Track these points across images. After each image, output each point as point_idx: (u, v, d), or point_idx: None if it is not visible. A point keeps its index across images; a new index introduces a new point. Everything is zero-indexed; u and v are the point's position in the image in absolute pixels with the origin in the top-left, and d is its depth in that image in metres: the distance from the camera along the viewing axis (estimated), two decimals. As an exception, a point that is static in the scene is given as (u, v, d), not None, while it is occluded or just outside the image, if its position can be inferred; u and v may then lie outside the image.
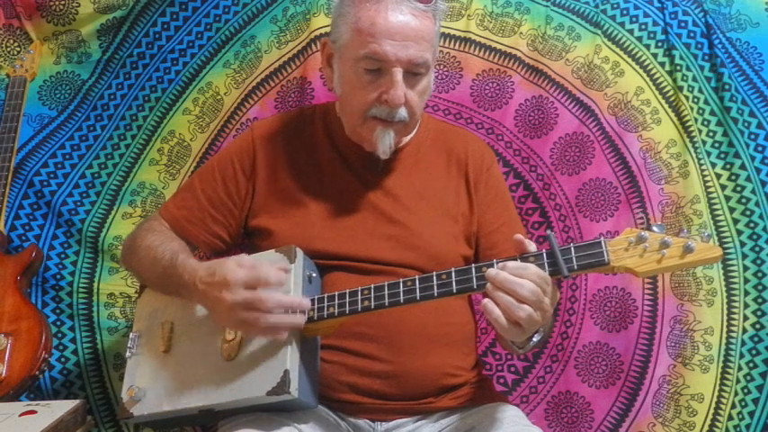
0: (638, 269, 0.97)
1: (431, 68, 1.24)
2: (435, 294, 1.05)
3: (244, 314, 1.06)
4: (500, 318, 0.97)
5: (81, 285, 1.64)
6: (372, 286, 1.08)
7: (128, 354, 1.25)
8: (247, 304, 1.05)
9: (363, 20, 1.18)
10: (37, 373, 1.45)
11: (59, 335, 1.62)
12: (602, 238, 0.99)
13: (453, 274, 1.05)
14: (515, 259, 1.01)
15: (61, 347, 1.62)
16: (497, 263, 1.01)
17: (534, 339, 1.10)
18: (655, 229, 0.97)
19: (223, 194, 1.32)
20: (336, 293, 1.11)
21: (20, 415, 1.24)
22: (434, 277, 1.05)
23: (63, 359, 1.61)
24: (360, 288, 1.09)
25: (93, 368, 1.62)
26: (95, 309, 1.63)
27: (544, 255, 1.01)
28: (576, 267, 0.99)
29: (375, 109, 1.21)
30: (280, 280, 1.07)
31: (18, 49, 1.74)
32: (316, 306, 1.11)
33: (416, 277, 1.06)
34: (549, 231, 1.03)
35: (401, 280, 1.07)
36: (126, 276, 1.63)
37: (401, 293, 1.06)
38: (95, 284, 1.64)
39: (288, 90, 1.67)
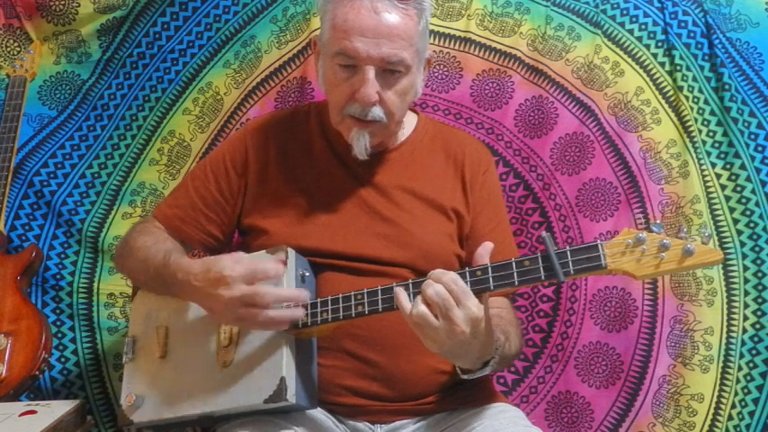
0: (636, 273, 0.94)
1: (411, 68, 1.21)
2: None
3: (242, 310, 1.05)
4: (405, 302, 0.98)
5: (81, 285, 1.64)
6: (366, 291, 1.07)
7: (124, 359, 1.25)
8: (245, 300, 1.04)
9: (338, 17, 1.18)
10: (37, 373, 1.45)
11: (59, 335, 1.62)
12: (598, 242, 0.96)
13: None
14: (507, 265, 0.99)
15: (61, 347, 1.62)
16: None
17: (485, 369, 1.08)
18: (653, 229, 0.94)
19: (215, 192, 1.32)
20: (330, 298, 1.10)
21: (20, 415, 1.25)
22: None
23: (63, 359, 1.62)
24: (353, 293, 1.08)
25: (93, 368, 1.62)
26: (95, 309, 1.63)
27: (539, 258, 0.98)
28: (572, 272, 0.96)
29: (349, 107, 1.20)
30: (278, 273, 1.07)
31: (18, 49, 1.73)
32: (309, 311, 1.10)
33: (410, 282, 1.04)
34: (544, 234, 0.98)
35: (394, 285, 1.05)
36: (126, 276, 1.63)
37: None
38: (95, 284, 1.64)
39: (288, 90, 1.67)
